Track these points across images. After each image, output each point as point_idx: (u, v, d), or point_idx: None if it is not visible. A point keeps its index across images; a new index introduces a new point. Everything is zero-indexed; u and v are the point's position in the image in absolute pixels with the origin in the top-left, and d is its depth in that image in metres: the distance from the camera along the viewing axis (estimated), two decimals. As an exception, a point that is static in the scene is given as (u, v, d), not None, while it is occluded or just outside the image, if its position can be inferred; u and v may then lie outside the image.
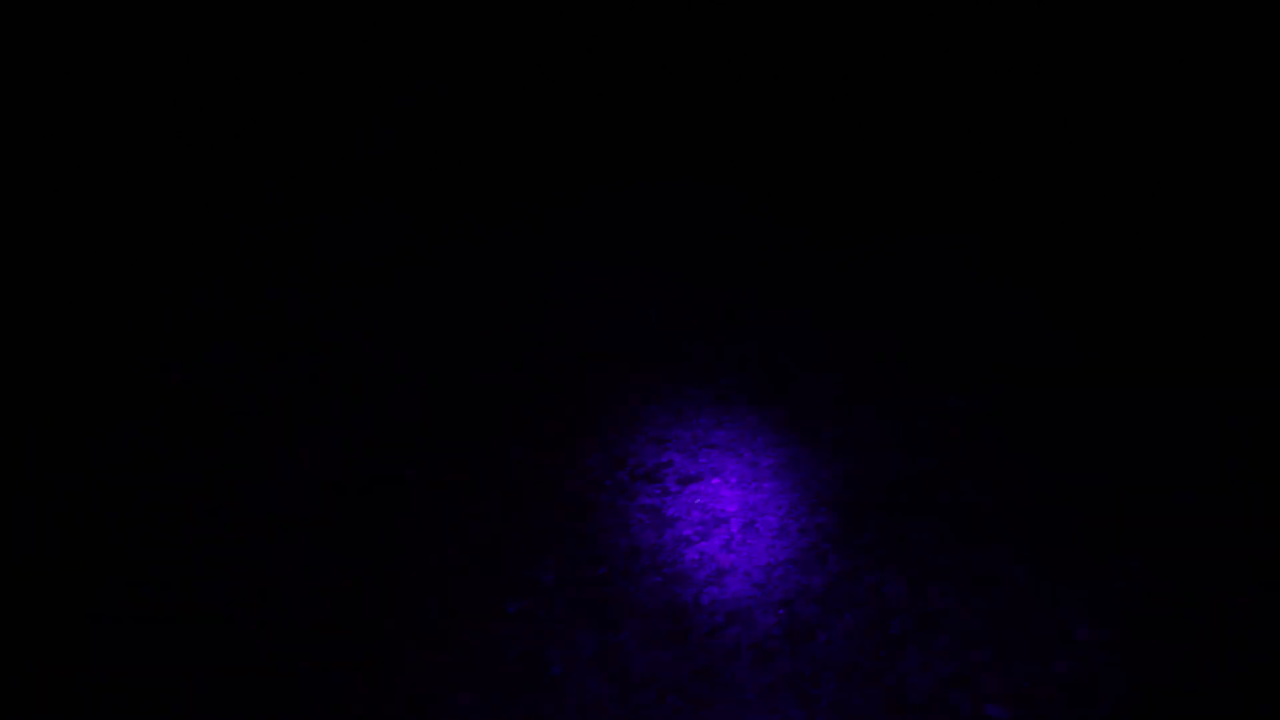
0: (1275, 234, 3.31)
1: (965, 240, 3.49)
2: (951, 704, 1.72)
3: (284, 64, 4.53)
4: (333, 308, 3.15)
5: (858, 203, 3.75)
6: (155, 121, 4.12)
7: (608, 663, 1.87)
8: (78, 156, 3.87)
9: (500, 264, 3.39)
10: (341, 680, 1.88)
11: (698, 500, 2.33)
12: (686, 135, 4.21)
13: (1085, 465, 2.36)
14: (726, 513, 2.28)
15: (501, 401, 2.73)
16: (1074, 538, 2.13)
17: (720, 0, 4.85)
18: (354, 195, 3.76)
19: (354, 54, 4.67)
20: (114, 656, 1.94)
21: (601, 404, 2.71)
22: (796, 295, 3.21)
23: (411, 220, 3.63)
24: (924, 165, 3.98)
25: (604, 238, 3.54)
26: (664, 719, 1.74)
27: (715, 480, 2.40)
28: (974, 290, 3.19)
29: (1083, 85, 4.26)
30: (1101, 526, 2.15)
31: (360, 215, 3.64)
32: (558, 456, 2.51)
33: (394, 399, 2.75)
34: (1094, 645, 1.81)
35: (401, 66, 4.62)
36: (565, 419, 2.65)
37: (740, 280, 3.31)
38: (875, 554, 2.11)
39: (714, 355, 2.92)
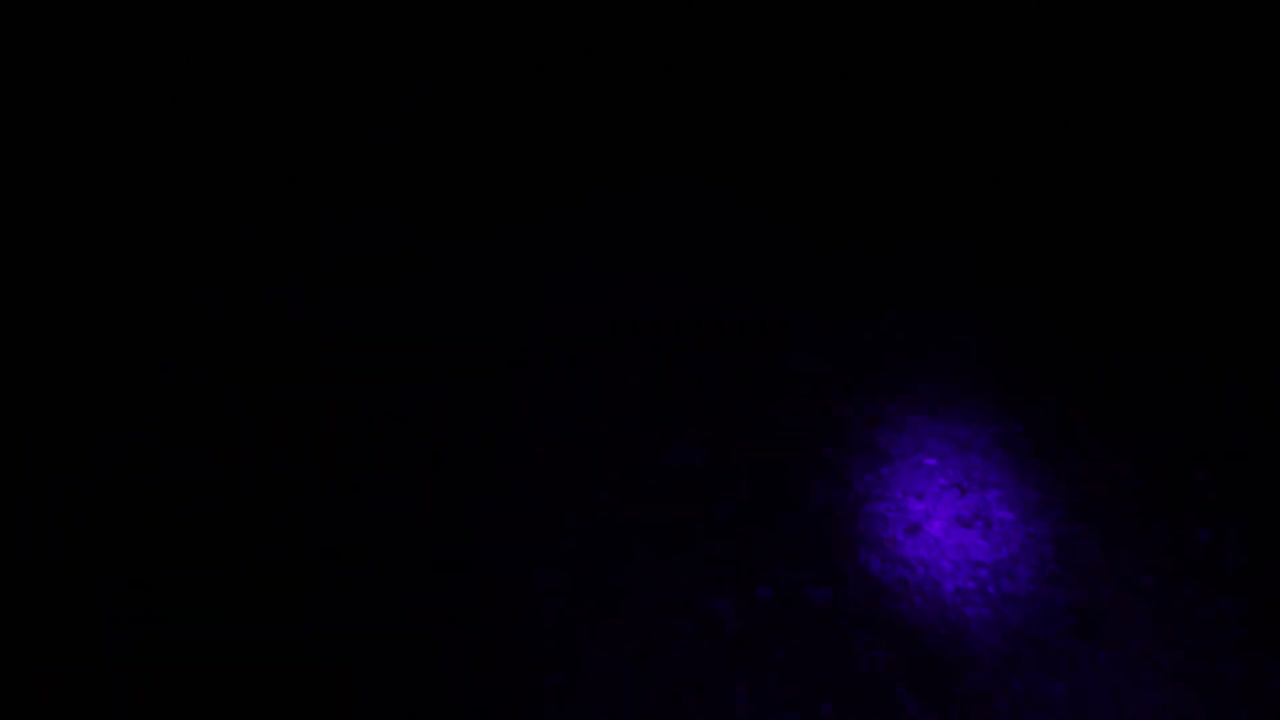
0: (1275, 232, 3.32)
1: (965, 240, 3.49)
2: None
3: (284, 64, 4.54)
4: (333, 308, 3.15)
5: (858, 203, 3.75)
6: (155, 121, 4.12)
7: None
8: (77, 156, 3.87)
9: (500, 264, 3.39)
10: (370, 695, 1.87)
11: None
12: (686, 135, 4.21)
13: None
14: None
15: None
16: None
17: (720, 0, 4.85)
18: (354, 195, 3.76)
19: (354, 54, 4.67)
20: (114, 656, 1.94)
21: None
22: (796, 295, 3.21)
23: (411, 220, 3.63)
24: (924, 165, 3.98)
25: (604, 238, 3.54)
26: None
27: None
28: (974, 290, 3.19)
29: (1083, 85, 4.26)
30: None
31: (360, 215, 3.64)
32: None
33: (394, 399, 2.75)
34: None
35: (401, 66, 4.62)
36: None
37: (740, 280, 3.31)
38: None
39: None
